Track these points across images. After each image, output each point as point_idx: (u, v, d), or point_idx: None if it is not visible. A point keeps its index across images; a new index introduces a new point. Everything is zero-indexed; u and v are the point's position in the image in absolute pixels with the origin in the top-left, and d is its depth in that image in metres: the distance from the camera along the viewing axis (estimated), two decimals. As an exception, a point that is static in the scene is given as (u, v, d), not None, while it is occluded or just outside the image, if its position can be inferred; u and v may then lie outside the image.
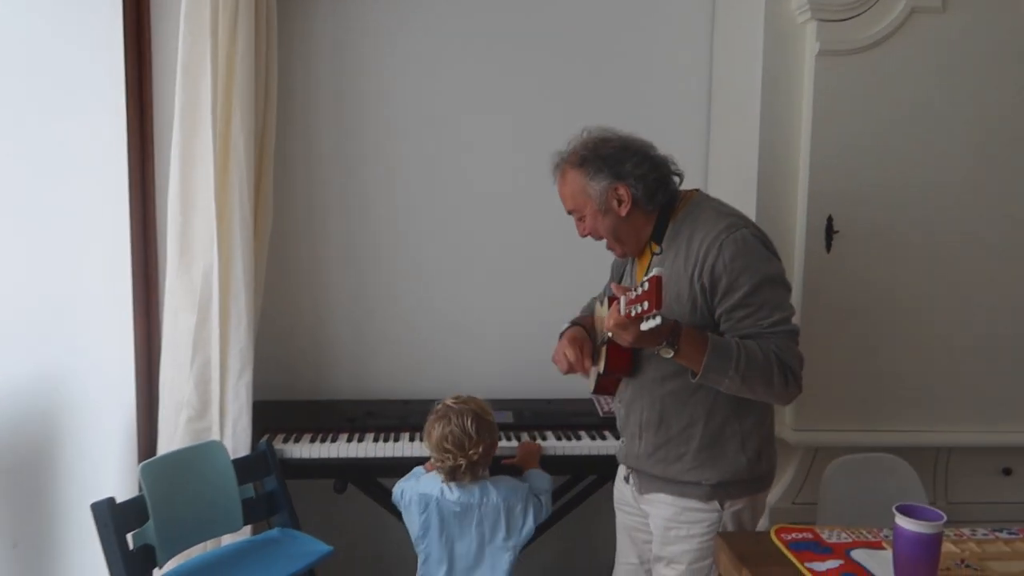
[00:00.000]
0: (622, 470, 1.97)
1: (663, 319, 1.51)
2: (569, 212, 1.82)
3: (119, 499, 1.78)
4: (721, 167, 2.63)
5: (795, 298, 2.25)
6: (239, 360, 2.17)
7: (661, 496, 1.81)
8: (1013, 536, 1.69)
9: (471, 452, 1.91)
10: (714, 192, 1.88)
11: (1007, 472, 2.39)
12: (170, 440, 2.17)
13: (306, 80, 2.57)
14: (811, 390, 2.27)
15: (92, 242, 2.15)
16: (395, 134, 2.64)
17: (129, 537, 1.77)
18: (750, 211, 2.25)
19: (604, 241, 1.83)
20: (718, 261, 1.66)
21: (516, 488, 2.01)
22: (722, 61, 2.63)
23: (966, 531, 1.72)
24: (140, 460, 2.29)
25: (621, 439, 1.93)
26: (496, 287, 2.72)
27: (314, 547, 2.05)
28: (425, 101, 2.64)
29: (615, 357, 1.76)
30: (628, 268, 1.92)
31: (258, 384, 2.59)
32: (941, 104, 2.22)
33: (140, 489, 1.86)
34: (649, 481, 1.84)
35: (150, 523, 1.81)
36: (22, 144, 1.84)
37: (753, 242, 1.70)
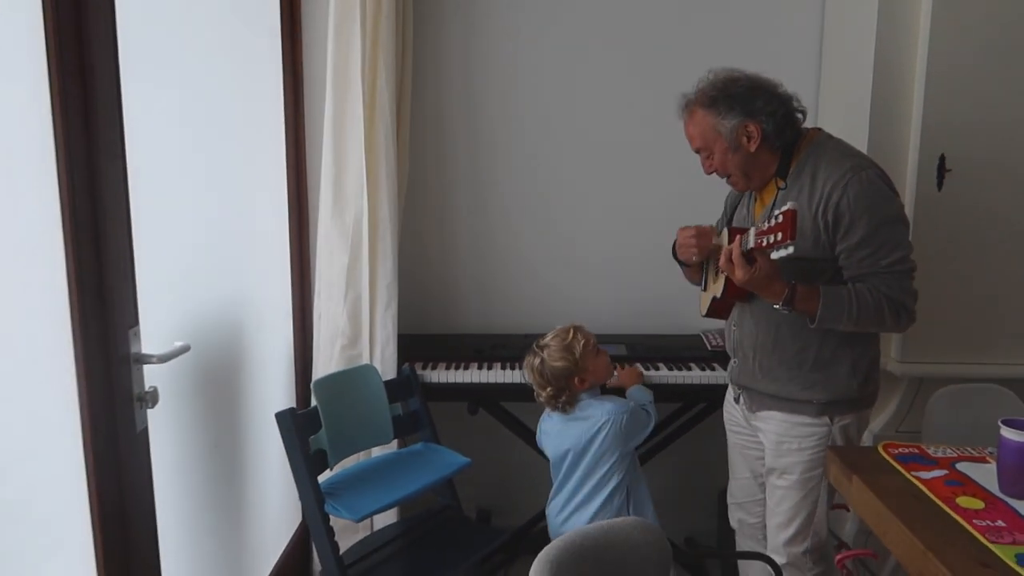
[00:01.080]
0: (732, 391, 2.13)
1: (785, 283, 1.72)
2: (697, 150, 1.94)
3: (306, 409, 2.09)
4: (831, 105, 2.70)
5: (906, 234, 2.35)
6: (386, 294, 2.44)
7: (773, 413, 1.97)
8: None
9: (548, 389, 2.15)
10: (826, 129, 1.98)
11: (1118, 406, 2.43)
12: (326, 365, 2.47)
13: (437, 36, 2.77)
14: (918, 323, 2.37)
15: (260, 190, 2.43)
16: (515, 86, 2.82)
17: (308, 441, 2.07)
18: (861, 148, 2.34)
19: (724, 179, 1.96)
20: (843, 200, 1.79)
21: (616, 405, 2.15)
22: None
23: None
24: (296, 379, 2.62)
25: (733, 360, 2.09)
26: (612, 228, 2.90)
27: (454, 459, 2.31)
28: (545, 48, 2.80)
29: (732, 285, 1.90)
30: (746, 203, 2.05)
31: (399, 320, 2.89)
32: None
33: (307, 403, 2.15)
34: (761, 399, 2.00)
35: (323, 431, 2.10)
36: (210, 112, 2.12)
37: (877, 182, 1.81)
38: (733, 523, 2.26)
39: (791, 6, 2.76)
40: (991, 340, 2.39)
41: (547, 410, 2.24)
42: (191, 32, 1.87)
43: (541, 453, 2.73)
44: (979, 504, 1.55)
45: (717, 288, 1.97)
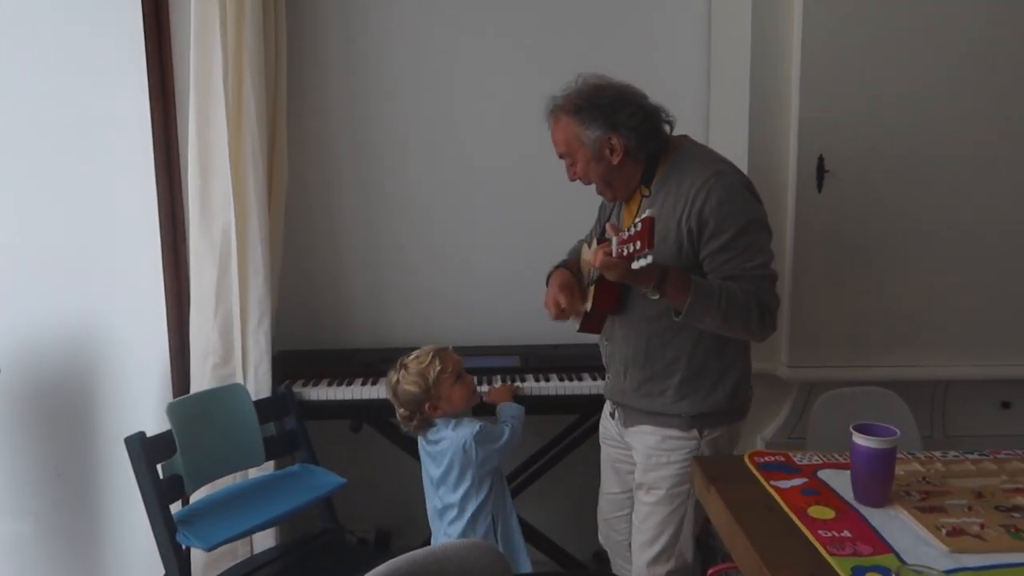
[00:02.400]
0: (608, 406, 2.08)
1: (653, 261, 1.63)
2: (560, 156, 1.89)
3: (153, 434, 1.98)
4: (721, 109, 2.66)
5: (788, 237, 2.33)
6: (258, 309, 2.34)
7: (645, 427, 1.92)
8: (983, 456, 1.75)
9: (400, 410, 2.07)
10: (714, 138, 1.94)
11: (1006, 405, 2.43)
12: (199, 384, 2.36)
13: (315, 39, 2.68)
14: (805, 327, 2.35)
15: (126, 197, 2.33)
16: (407, 90, 2.73)
17: (159, 468, 1.96)
18: (742, 155, 2.31)
19: (593, 186, 1.91)
20: (706, 205, 1.75)
21: (461, 432, 2.03)
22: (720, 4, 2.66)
23: (938, 454, 1.79)
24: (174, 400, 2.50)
25: (607, 375, 2.03)
26: (503, 238, 2.82)
27: (329, 479, 2.22)
28: (431, 50, 2.72)
29: (603, 295, 1.86)
30: (616, 211, 2.00)
31: (283, 336, 2.78)
32: (942, 24, 2.21)
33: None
34: (634, 414, 1.94)
35: (178, 456, 1.99)
36: (61, 112, 2.02)
37: (740, 188, 1.78)
38: (601, 539, 2.20)
39: (679, 16, 2.72)
40: (877, 342, 2.36)
41: None
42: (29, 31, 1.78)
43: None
44: (830, 514, 1.50)
45: (588, 301, 1.92)
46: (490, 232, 2.83)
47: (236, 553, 2.40)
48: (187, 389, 2.47)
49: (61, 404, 1.90)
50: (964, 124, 2.26)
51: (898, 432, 1.52)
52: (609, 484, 2.11)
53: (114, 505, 2.12)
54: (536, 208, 2.81)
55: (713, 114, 2.65)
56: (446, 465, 2.03)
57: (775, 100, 2.31)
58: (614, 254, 1.64)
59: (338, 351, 2.76)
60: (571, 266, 2.07)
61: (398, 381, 2.04)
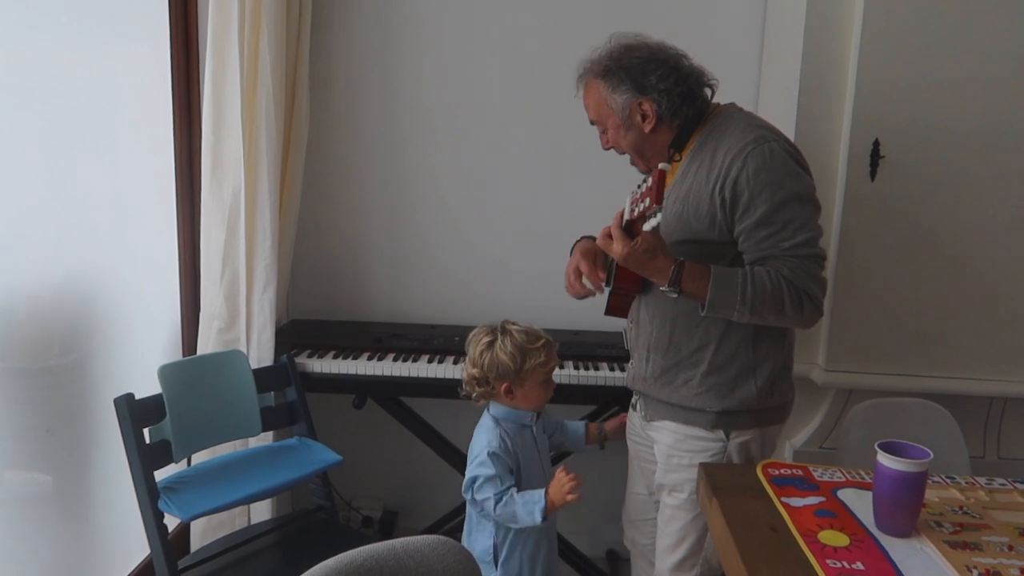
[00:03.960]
0: (633, 397, 1.92)
1: (672, 259, 1.52)
2: (592, 123, 1.76)
3: (148, 396, 1.92)
4: (771, 92, 2.45)
5: (834, 228, 2.12)
6: (264, 276, 2.26)
7: (666, 423, 1.76)
8: (1033, 488, 1.54)
9: (474, 371, 1.82)
10: (764, 116, 1.75)
11: (1072, 428, 2.17)
12: (205, 348, 2.30)
13: (342, 5, 2.57)
14: (847, 328, 2.15)
15: (144, 150, 2.28)
16: (433, 61, 2.60)
17: (147, 432, 1.90)
18: (789, 132, 2.10)
19: (627, 158, 1.77)
20: (742, 174, 1.57)
21: (482, 448, 1.83)
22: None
23: (982, 480, 1.58)
24: (184, 364, 2.46)
25: (630, 361, 1.87)
26: (528, 220, 2.67)
27: (325, 455, 2.12)
28: (464, 24, 2.59)
29: (626, 272, 1.65)
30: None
31: (299, 305, 2.71)
32: (1000, 26, 1.98)
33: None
34: (655, 406, 1.79)
35: (166, 420, 1.93)
36: (77, 59, 1.96)
37: (782, 155, 1.58)
38: (627, 543, 2.04)
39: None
40: (927, 349, 2.13)
41: None
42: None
43: (443, 453, 2.54)
44: (844, 541, 1.33)
45: (609, 279, 1.76)
46: (514, 214, 2.69)
47: (234, 522, 2.35)
48: (196, 352, 2.42)
49: (64, 361, 1.86)
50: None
51: (931, 454, 1.33)
52: (635, 483, 1.96)
53: (110, 467, 2.07)
54: (563, 190, 2.66)
55: (763, 89, 2.44)
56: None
57: (829, 76, 2.10)
58: (626, 216, 1.53)
59: (350, 323, 2.68)
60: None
61: (493, 342, 1.80)
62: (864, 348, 2.15)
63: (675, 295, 1.56)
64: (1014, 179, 2.05)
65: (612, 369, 2.34)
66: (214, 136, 2.21)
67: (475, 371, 1.82)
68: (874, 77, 2.03)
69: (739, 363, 1.68)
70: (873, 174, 2.07)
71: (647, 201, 1.45)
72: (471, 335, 1.87)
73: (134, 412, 1.86)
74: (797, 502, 1.46)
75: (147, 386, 1.95)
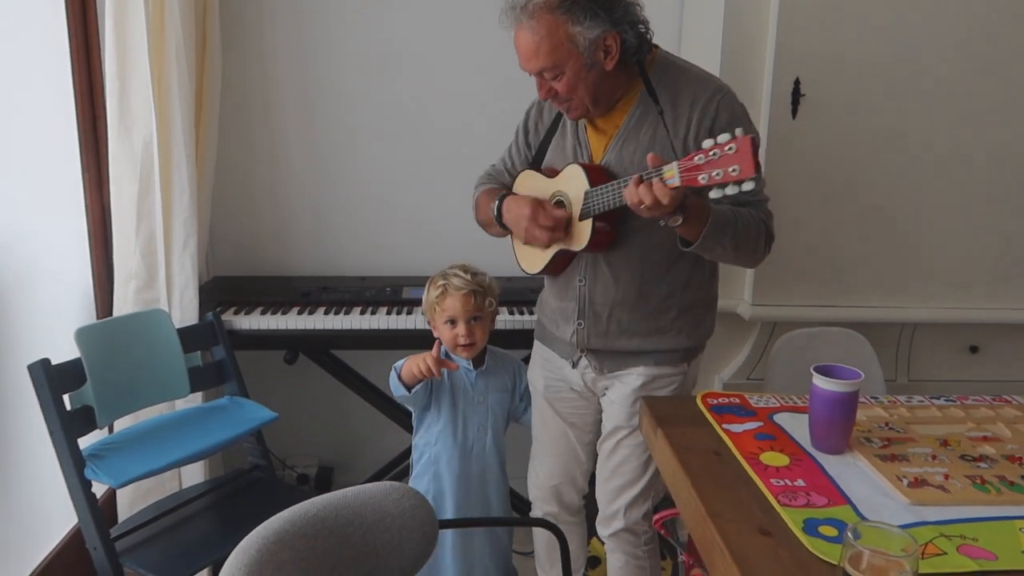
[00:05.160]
0: (556, 355, 1.85)
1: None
2: (538, 71, 1.56)
3: (66, 361, 1.81)
4: (694, 35, 2.47)
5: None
6: (183, 230, 2.15)
7: (631, 370, 1.75)
8: (949, 402, 1.65)
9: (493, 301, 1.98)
10: (684, 50, 1.75)
11: (974, 350, 2.33)
12: (122, 309, 2.18)
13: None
14: (770, 264, 2.20)
15: (41, 99, 2.10)
16: (352, 10, 2.50)
17: (67, 398, 1.80)
18: (712, 71, 2.13)
19: (556, 106, 1.65)
20: (716, 123, 1.57)
21: None
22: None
23: (902, 398, 1.68)
24: (98, 328, 2.32)
25: (575, 322, 1.76)
26: (451, 169, 2.62)
27: (259, 413, 2.07)
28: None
29: (602, 233, 1.62)
30: (572, 133, 1.72)
31: (219, 261, 2.60)
32: None
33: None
34: (616, 359, 1.76)
35: (87, 385, 1.83)
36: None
37: (741, 106, 1.62)
38: (550, 515, 1.95)
39: None
40: (843, 281, 2.24)
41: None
42: None
43: (379, 404, 2.52)
44: (784, 460, 1.39)
45: (579, 238, 1.65)
46: (439, 161, 2.64)
47: (164, 488, 2.27)
48: (111, 313, 2.29)
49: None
50: (948, 55, 2.11)
51: (862, 375, 1.40)
52: (558, 446, 1.91)
53: (26, 438, 1.96)
54: (484, 139, 2.59)
55: (685, 31, 2.46)
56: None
57: (751, 16, 2.12)
58: (679, 181, 1.37)
59: (275, 278, 2.59)
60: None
61: (486, 275, 1.95)
62: (787, 282, 2.23)
63: (679, 222, 1.46)
64: (926, 121, 2.13)
65: (547, 313, 2.34)
66: (119, 80, 2.07)
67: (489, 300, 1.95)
68: (794, 16, 2.06)
69: (702, 301, 1.76)
70: (795, 112, 2.12)
71: (734, 168, 1.31)
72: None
73: (51, 378, 1.75)
74: (737, 428, 1.52)
75: (61, 351, 1.84)
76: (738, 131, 1.32)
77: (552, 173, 1.72)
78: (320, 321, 2.27)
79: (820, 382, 1.41)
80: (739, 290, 2.28)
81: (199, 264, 2.25)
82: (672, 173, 1.38)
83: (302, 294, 2.40)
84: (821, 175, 2.18)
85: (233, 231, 2.58)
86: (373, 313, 2.32)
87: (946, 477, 1.31)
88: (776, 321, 2.26)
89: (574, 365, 1.82)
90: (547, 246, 1.70)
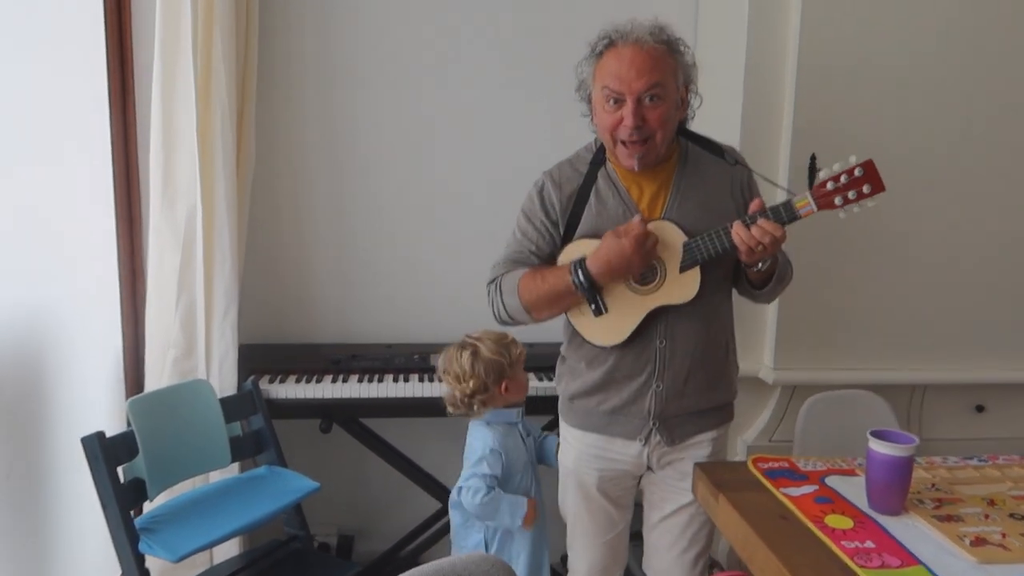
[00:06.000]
0: (625, 437, 1.75)
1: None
2: (647, 87, 1.56)
3: (109, 434, 1.80)
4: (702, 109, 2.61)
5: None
6: (224, 300, 2.17)
7: (703, 436, 1.77)
8: (983, 463, 1.75)
9: (470, 383, 1.89)
10: (698, 129, 1.86)
11: (980, 409, 2.46)
12: (158, 379, 2.18)
13: (287, 13, 2.51)
14: (790, 329, 2.33)
15: (76, 179, 2.12)
16: (383, 73, 2.58)
17: (119, 471, 1.79)
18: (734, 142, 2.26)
19: (633, 143, 1.60)
20: (745, 175, 1.73)
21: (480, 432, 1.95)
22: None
23: (937, 459, 1.77)
24: (128, 397, 2.30)
25: (653, 385, 1.70)
26: (479, 237, 2.68)
27: (301, 483, 2.07)
28: (411, 34, 2.58)
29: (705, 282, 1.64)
30: (611, 196, 1.69)
31: (244, 327, 2.61)
32: (929, 36, 2.22)
33: (128, 425, 1.87)
34: (687, 425, 1.75)
35: (140, 457, 1.82)
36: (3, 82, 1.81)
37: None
38: None
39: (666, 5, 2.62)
40: (857, 345, 2.36)
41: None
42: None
43: (408, 473, 2.53)
44: (848, 523, 1.46)
45: (684, 289, 1.64)
46: (462, 229, 2.70)
47: (195, 562, 2.23)
48: (141, 385, 2.29)
49: (6, 400, 1.71)
50: (951, 135, 2.27)
51: (916, 439, 1.49)
52: (607, 530, 1.85)
53: (63, 509, 1.93)
54: (504, 207, 2.67)
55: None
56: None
57: (770, 97, 2.27)
58: (837, 204, 1.55)
59: (302, 345, 2.60)
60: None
61: (476, 352, 1.89)
62: (806, 347, 2.34)
63: (768, 262, 1.63)
64: (929, 194, 2.29)
65: (576, 378, 2.40)
66: (164, 152, 2.12)
67: (470, 383, 1.89)
68: (811, 103, 2.22)
69: (734, 349, 1.82)
70: (811, 185, 2.25)
71: (865, 187, 1.52)
72: (445, 359, 1.95)
73: (106, 450, 1.75)
74: (795, 492, 1.59)
75: (90, 422, 1.84)
76: (852, 158, 1.51)
77: None
78: (354, 389, 2.30)
79: (877, 447, 1.49)
80: (760, 355, 2.37)
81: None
82: (806, 202, 1.55)
83: (332, 362, 2.43)
84: (833, 245, 2.30)
85: (258, 298, 2.60)
86: (406, 380, 2.35)
87: (1003, 536, 1.40)
88: (796, 385, 2.36)
89: (644, 442, 1.75)
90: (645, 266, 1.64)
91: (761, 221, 1.54)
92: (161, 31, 2.06)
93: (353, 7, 2.55)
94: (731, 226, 1.57)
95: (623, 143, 1.62)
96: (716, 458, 1.80)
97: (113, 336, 2.30)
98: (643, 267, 1.63)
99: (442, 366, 1.95)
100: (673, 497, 1.80)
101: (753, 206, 1.58)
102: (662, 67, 1.58)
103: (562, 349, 1.85)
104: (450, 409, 1.95)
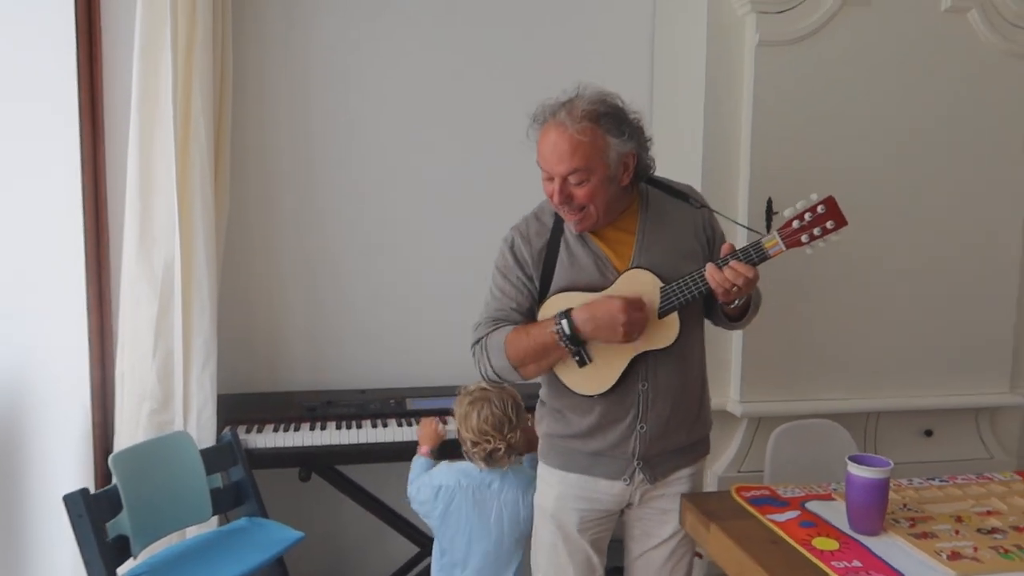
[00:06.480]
0: (608, 477, 1.77)
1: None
2: (566, 172, 1.60)
3: (102, 489, 1.76)
4: (663, 155, 2.74)
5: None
6: (203, 350, 2.16)
7: (682, 472, 1.81)
8: (944, 483, 1.87)
9: (509, 436, 1.92)
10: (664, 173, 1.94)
11: (928, 433, 2.61)
12: (132, 433, 2.13)
13: (260, 70, 2.55)
14: (755, 365, 2.44)
15: (43, 234, 2.09)
16: (349, 125, 2.65)
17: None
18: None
19: (569, 213, 1.66)
20: (708, 215, 1.79)
21: (527, 476, 1.98)
22: (664, 52, 2.76)
23: (903, 481, 1.89)
24: (96, 453, 2.24)
25: (637, 426, 1.72)
26: (448, 280, 2.73)
27: (284, 534, 2.05)
28: (379, 93, 2.66)
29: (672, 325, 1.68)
30: (582, 251, 1.72)
31: (218, 377, 2.58)
32: (870, 90, 2.39)
33: (108, 481, 1.83)
34: (668, 462, 1.78)
35: (124, 513, 1.78)
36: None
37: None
38: None
39: (623, 65, 2.75)
40: (821, 378, 2.48)
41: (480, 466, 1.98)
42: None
43: (386, 518, 2.52)
44: (834, 544, 1.54)
45: (666, 333, 1.68)
46: (431, 275, 2.75)
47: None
48: (108, 438, 2.23)
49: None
50: (896, 178, 2.45)
51: (891, 463, 1.60)
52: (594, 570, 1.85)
53: (36, 571, 1.86)
54: (479, 254, 2.75)
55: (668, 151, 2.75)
56: (519, 500, 1.99)
57: (726, 148, 2.41)
58: (804, 242, 1.60)
59: (276, 394, 2.59)
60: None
61: (487, 395, 1.96)
62: (770, 381, 2.45)
63: (743, 300, 1.70)
64: (872, 235, 2.44)
65: (552, 417, 2.46)
66: (141, 203, 2.11)
67: (496, 436, 1.94)
68: (765, 146, 2.36)
69: (707, 385, 1.87)
70: (768, 228, 2.39)
71: (828, 223, 1.58)
72: (469, 413, 1.97)
73: (91, 508, 1.71)
74: (779, 517, 1.67)
75: (58, 481, 1.79)
76: (814, 195, 1.58)
77: (592, 288, 1.69)
78: (333, 436, 2.29)
79: (856, 470, 1.59)
80: (727, 389, 2.48)
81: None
82: (775, 241, 1.60)
83: (308, 409, 2.41)
84: (790, 283, 2.43)
85: (231, 347, 2.57)
86: (385, 426, 2.36)
87: (975, 549, 1.50)
88: (762, 416, 2.46)
89: (628, 481, 1.76)
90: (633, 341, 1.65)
91: (733, 263, 1.60)
92: (139, 85, 2.07)
93: (326, 62, 2.61)
94: (700, 271, 1.63)
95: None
96: (695, 491, 1.84)
97: (82, 392, 2.24)
98: (629, 336, 1.61)
99: (478, 424, 1.94)
100: (655, 531, 1.84)
101: (724, 249, 1.64)
102: (584, 151, 1.59)
103: (541, 393, 1.85)
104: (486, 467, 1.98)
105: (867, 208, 2.43)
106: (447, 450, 2.17)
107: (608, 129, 1.61)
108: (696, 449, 1.86)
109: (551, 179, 1.64)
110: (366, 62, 2.64)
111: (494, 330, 1.73)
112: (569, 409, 1.76)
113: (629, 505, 1.81)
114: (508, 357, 1.69)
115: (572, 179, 1.62)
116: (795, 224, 1.60)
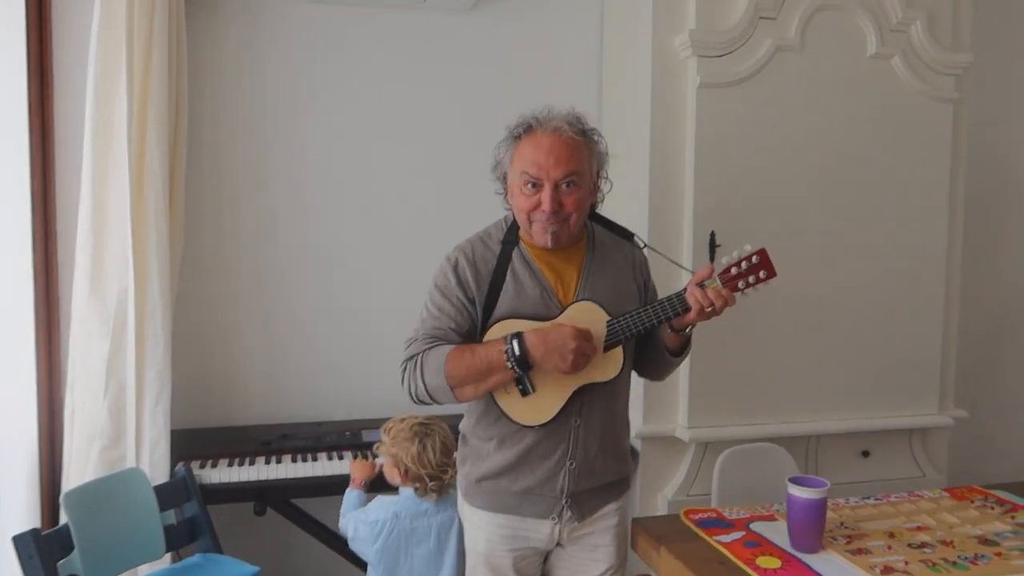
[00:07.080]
0: (536, 516, 1.74)
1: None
2: (566, 174, 1.63)
3: (54, 529, 1.74)
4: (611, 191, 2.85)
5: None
6: (156, 384, 2.15)
7: (608, 507, 1.80)
8: (878, 501, 1.97)
9: (454, 457, 1.91)
10: (606, 213, 2.00)
11: (865, 454, 2.73)
12: (82, 471, 2.10)
13: (215, 101, 2.58)
14: (701, 391, 2.53)
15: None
16: (305, 157, 2.68)
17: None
18: (643, 230, 2.48)
19: (549, 223, 1.65)
20: (642, 259, 1.85)
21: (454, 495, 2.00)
22: (611, 92, 2.87)
23: (840, 500, 1.98)
24: (43, 492, 2.21)
25: (566, 464, 1.72)
26: (404, 310, 2.75)
27: (239, 569, 2.05)
28: (333, 124, 2.70)
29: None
30: (527, 278, 1.71)
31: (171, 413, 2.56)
32: (803, 128, 2.53)
33: (56, 520, 1.81)
34: (594, 498, 1.78)
35: (75, 553, 1.76)
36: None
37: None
38: None
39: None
40: (764, 403, 2.58)
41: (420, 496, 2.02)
42: None
43: (342, 551, 2.51)
44: (777, 563, 1.62)
45: (611, 366, 1.70)
46: (389, 305, 2.76)
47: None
48: (56, 477, 2.20)
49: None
50: (827, 214, 2.58)
51: (828, 483, 1.69)
52: None
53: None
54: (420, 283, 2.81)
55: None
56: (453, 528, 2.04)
57: (671, 184, 2.51)
58: (740, 287, 1.64)
59: (229, 428, 2.58)
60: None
61: (430, 429, 2.03)
62: (716, 407, 2.54)
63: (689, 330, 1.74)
64: (810, 266, 2.57)
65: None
66: (93, 238, 2.10)
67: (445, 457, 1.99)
68: (707, 182, 2.48)
69: (627, 422, 1.89)
70: (712, 260, 2.50)
71: (761, 273, 1.65)
72: (422, 451, 2.00)
73: (42, 548, 1.68)
74: (725, 538, 1.74)
75: (5, 522, 1.76)
76: (747, 247, 1.65)
77: (535, 318, 1.68)
78: (289, 469, 2.29)
79: (797, 491, 1.67)
80: (675, 415, 2.56)
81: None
82: (716, 286, 1.64)
83: (262, 443, 2.41)
84: (730, 312, 2.53)
85: (184, 382, 2.55)
86: (340, 458, 2.37)
87: (906, 563, 1.60)
88: (708, 441, 2.55)
89: (556, 519, 1.74)
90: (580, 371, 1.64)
91: (710, 288, 1.64)
92: (93, 120, 2.08)
93: (281, 92, 2.65)
94: (669, 298, 1.66)
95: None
96: (623, 526, 1.82)
97: (28, 430, 2.20)
98: (577, 365, 1.61)
99: (429, 455, 2.00)
100: (585, 569, 1.80)
101: (701, 274, 1.68)
102: (579, 156, 1.64)
103: (464, 428, 1.82)
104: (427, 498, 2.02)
105: (801, 240, 2.57)
106: (379, 483, 2.15)
107: (593, 145, 1.69)
108: (621, 484, 1.85)
109: (537, 187, 1.64)
110: (320, 92, 2.69)
111: (433, 347, 1.67)
112: (498, 442, 1.73)
113: (558, 544, 1.78)
114: (447, 375, 1.63)
115: (565, 185, 1.64)
116: (733, 271, 1.66)
